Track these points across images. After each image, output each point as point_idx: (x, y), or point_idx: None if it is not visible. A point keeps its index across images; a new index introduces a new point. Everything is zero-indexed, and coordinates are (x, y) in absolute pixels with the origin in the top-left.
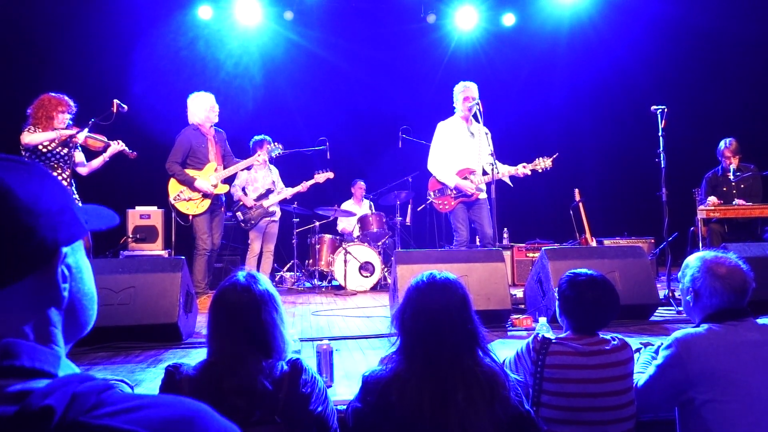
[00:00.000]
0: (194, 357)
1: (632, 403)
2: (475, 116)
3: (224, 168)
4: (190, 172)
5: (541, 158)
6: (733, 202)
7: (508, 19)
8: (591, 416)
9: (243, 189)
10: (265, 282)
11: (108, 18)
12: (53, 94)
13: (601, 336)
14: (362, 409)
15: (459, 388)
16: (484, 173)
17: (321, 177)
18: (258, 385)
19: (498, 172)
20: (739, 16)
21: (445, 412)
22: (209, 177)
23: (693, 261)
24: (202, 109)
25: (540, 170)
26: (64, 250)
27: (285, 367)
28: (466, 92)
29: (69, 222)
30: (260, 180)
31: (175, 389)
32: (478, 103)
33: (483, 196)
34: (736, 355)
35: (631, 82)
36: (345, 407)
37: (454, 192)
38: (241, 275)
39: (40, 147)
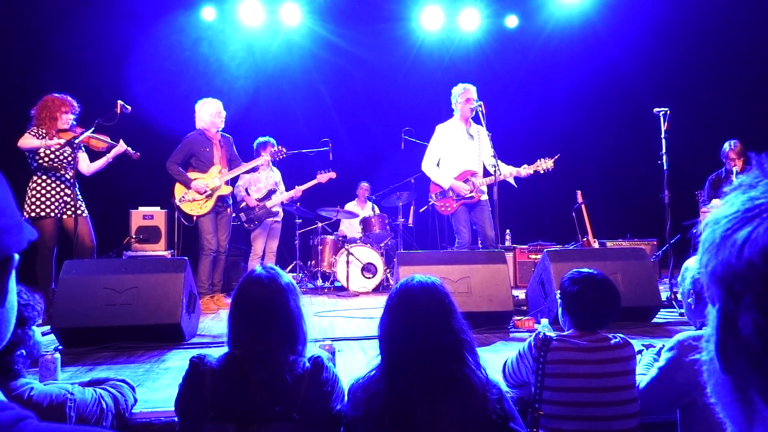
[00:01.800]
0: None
1: (635, 400)
2: (476, 118)
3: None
4: (194, 174)
5: (542, 159)
6: None
7: (511, 21)
8: (594, 411)
9: (246, 190)
10: (285, 275)
11: (111, 19)
12: (56, 94)
13: (603, 334)
14: (347, 418)
15: (423, 400)
16: (487, 174)
17: (323, 177)
18: (281, 380)
19: (500, 174)
20: (743, 18)
21: (406, 424)
22: (212, 179)
23: (693, 263)
24: (208, 114)
25: (542, 171)
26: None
27: (307, 364)
28: (466, 94)
29: (19, 227)
30: (263, 181)
31: (199, 380)
32: (480, 105)
33: (484, 197)
34: None
35: (634, 84)
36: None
37: (455, 194)
38: (260, 269)
39: (43, 148)
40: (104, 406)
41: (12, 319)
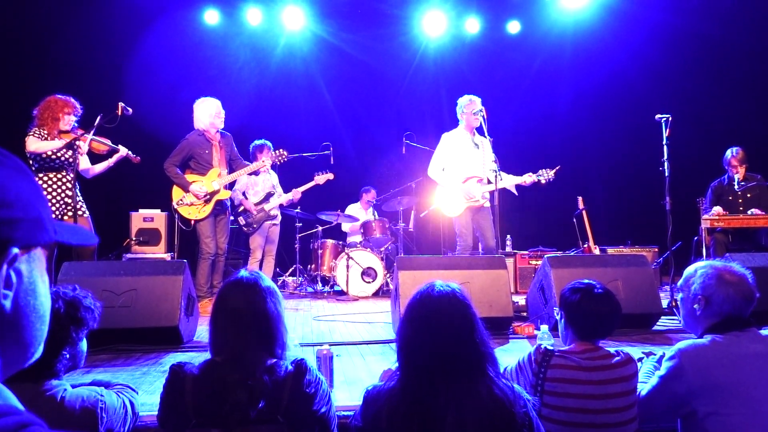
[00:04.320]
0: (195, 360)
1: (634, 419)
2: (479, 127)
3: (229, 173)
4: (192, 176)
5: (544, 170)
6: (749, 212)
7: (513, 27)
8: None
9: (244, 193)
10: (267, 278)
11: (114, 21)
12: (60, 95)
13: (606, 350)
14: (361, 428)
15: (449, 412)
16: (489, 182)
17: (321, 178)
18: (260, 382)
19: (501, 179)
20: (745, 24)
21: None
22: (212, 182)
23: (701, 269)
24: (207, 114)
25: (543, 181)
26: (15, 251)
27: (289, 366)
28: (471, 106)
29: (32, 224)
30: (261, 184)
31: (179, 387)
32: (481, 110)
33: (487, 204)
34: (740, 367)
35: (636, 90)
36: (348, 413)
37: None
38: (244, 273)
39: (49, 151)
40: (128, 409)
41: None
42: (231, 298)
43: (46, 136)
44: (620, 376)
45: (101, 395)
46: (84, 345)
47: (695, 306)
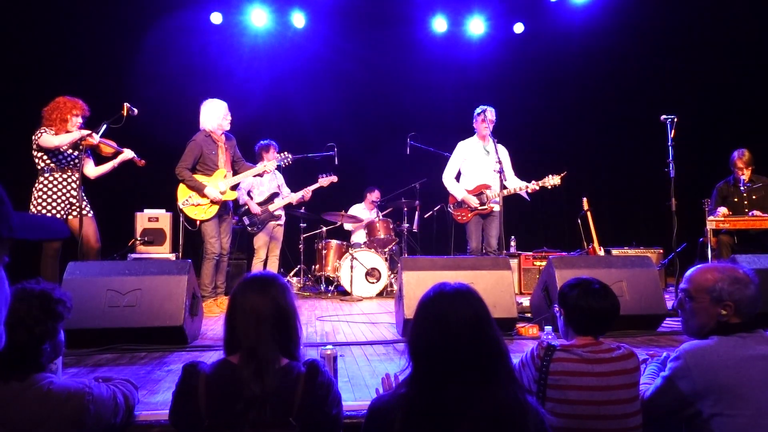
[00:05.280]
0: (199, 360)
1: (639, 413)
2: (491, 134)
3: (234, 174)
4: (199, 177)
5: (550, 176)
6: (750, 214)
7: (518, 28)
8: (596, 424)
9: (248, 193)
10: (281, 279)
11: (119, 22)
12: (68, 96)
13: (607, 343)
14: None
15: (465, 418)
16: (504, 188)
17: (325, 181)
18: (276, 385)
19: (506, 181)
20: (753, 24)
21: None
22: (218, 183)
23: (719, 273)
24: (214, 116)
25: (549, 187)
26: None
27: (301, 368)
28: (482, 116)
29: None
30: (266, 184)
31: (192, 387)
32: (486, 110)
33: (497, 208)
34: (746, 369)
35: (641, 90)
36: (351, 413)
37: (468, 205)
38: (257, 273)
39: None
40: (119, 401)
41: None
42: (252, 294)
43: (54, 135)
44: (622, 368)
45: (89, 386)
46: (61, 335)
47: (723, 312)
